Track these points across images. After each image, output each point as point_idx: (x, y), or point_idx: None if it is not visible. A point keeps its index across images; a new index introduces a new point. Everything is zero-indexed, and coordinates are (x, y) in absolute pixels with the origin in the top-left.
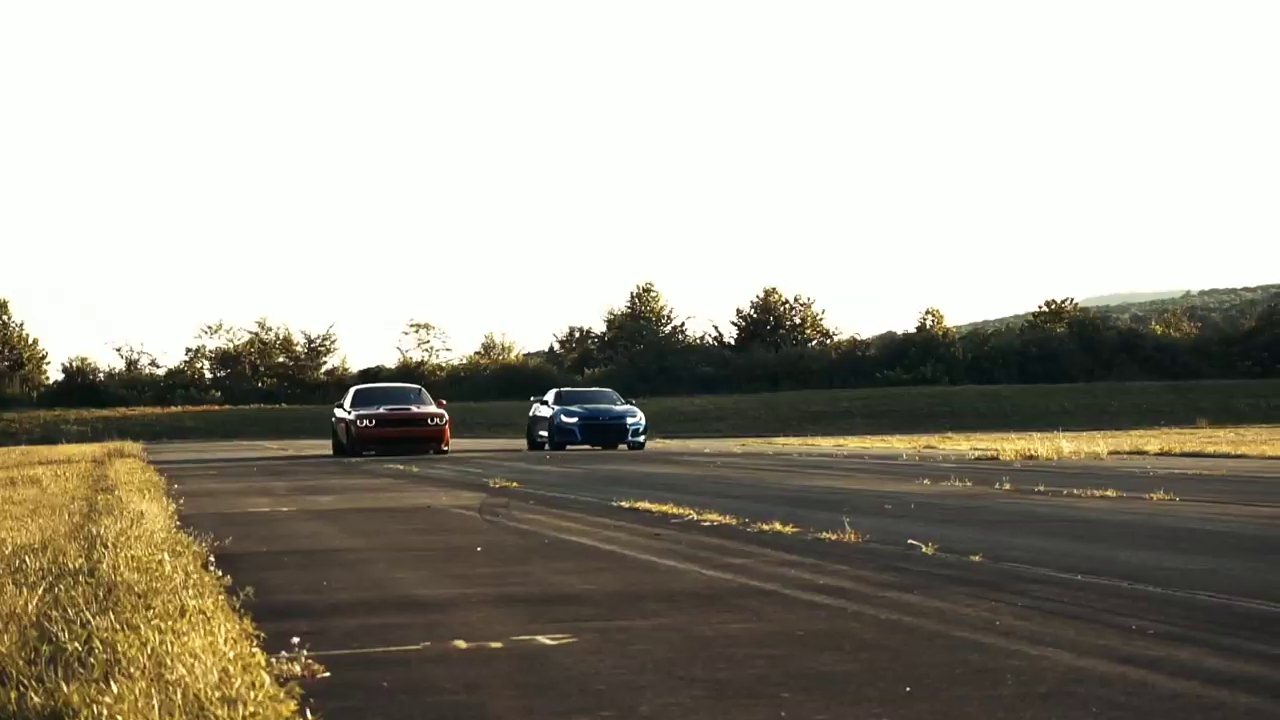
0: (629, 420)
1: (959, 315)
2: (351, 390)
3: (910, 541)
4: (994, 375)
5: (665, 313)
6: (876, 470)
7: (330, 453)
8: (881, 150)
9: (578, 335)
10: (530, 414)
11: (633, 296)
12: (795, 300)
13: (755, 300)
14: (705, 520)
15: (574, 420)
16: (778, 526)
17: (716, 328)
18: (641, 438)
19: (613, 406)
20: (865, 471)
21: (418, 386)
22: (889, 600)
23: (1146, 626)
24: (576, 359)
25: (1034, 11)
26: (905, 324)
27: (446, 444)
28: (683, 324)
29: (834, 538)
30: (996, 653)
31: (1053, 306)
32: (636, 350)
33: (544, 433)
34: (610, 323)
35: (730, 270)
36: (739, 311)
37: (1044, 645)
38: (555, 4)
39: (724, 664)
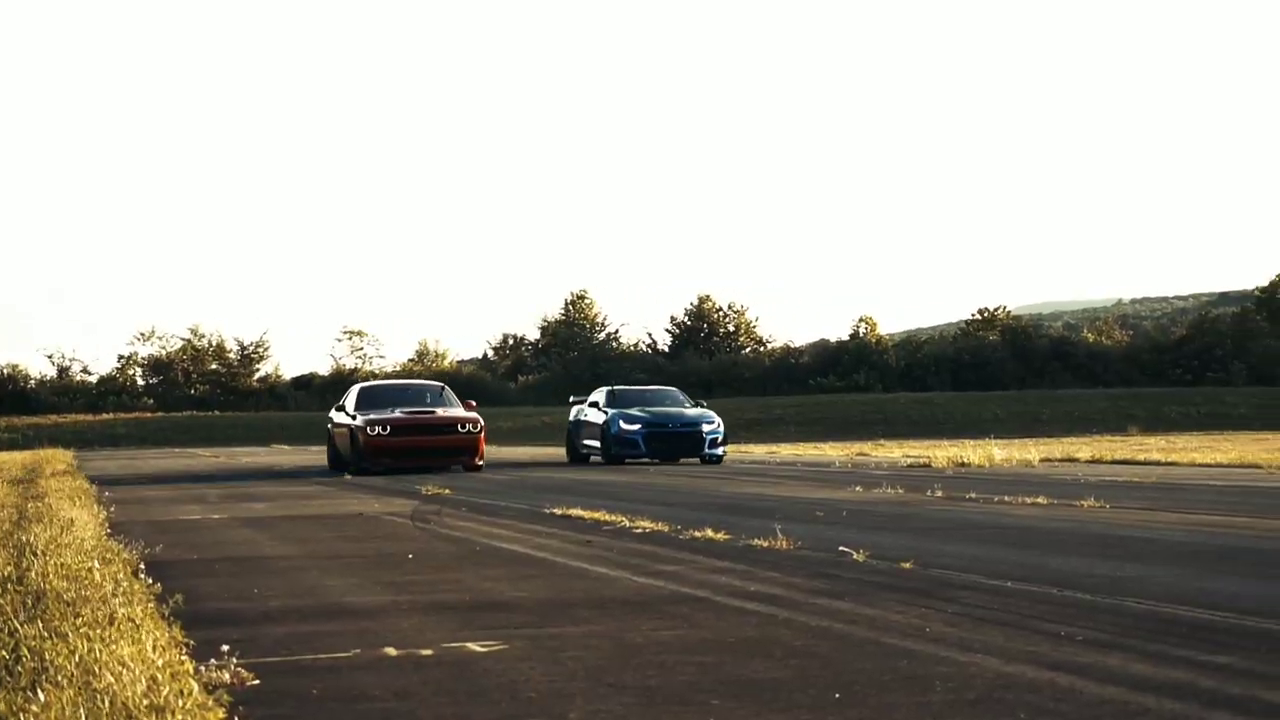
0: (705, 427)
1: (892, 323)
2: (355, 389)
3: (842, 548)
4: (927, 383)
5: (599, 320)
6: (809, 477)
7: (325, 466)
8: (816, 160)
9: (511, 342)
10: (572, 418)
11: (567, 304)
12: (729, 308)
13: (689, 308)
14: (637, 527)
15: (637, 427)
16: (709, 533)
17: (650, 335)
18: (720, 449)
19: (683, 410)
20: (797, 479)
21: (440, 384)
22: (820, 607)
23: (1075, 633)
24: (510, 366)
25: (963, 25)
26: (839, 332)
27: (480, 457)
28: (616, 331)
29: (766, 545)
30: (926, 659)
31: (985, 314)
32: (570, 357)
33: (593, 442)
34: (544, 330)
35: (664, 278)
36: (673, 319)
37: (973, 652)
38: (480, 12)
39: (654, 671)
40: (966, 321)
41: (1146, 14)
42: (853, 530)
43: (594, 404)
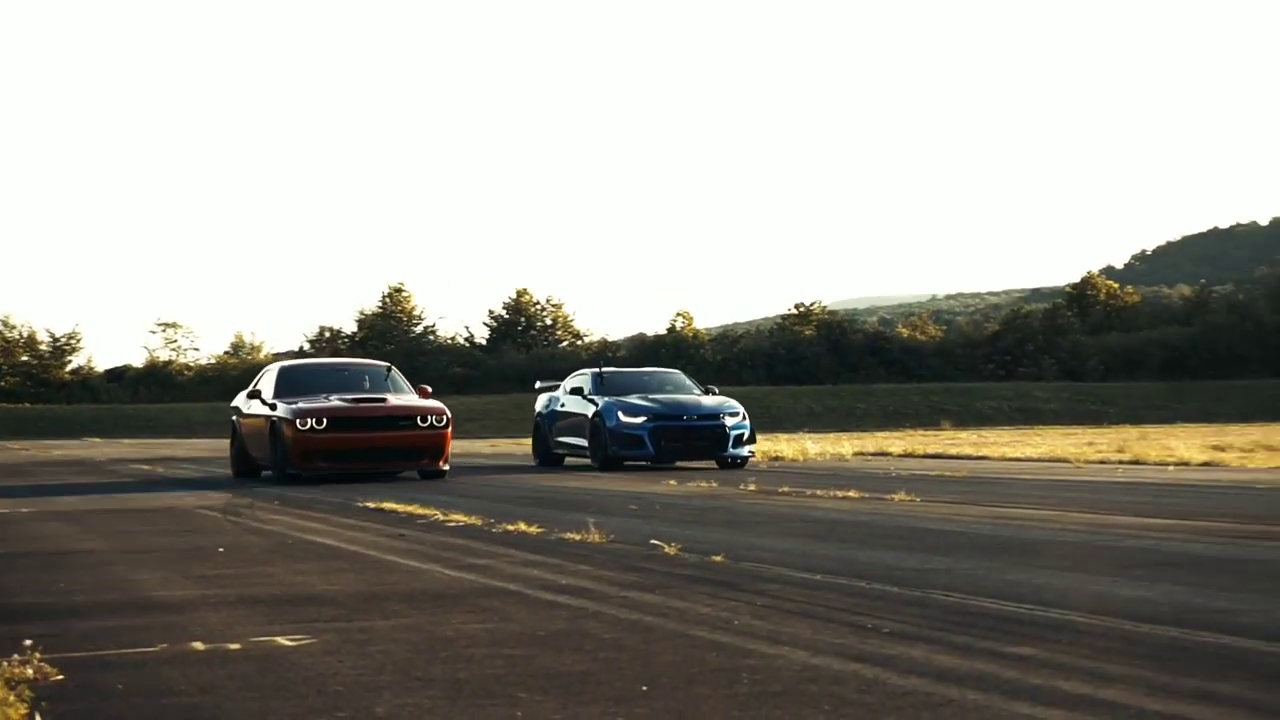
0: (728, 420)
1: (709, 318)
2: (273, 369)
3: (653, 542)
4: (743, 376)
5: (416, 313)
6: (623, 470)
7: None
8: (633, 154)
9: (328, 335)
10: (541, 409)
11: (384, 297)
12: (547, 301)
13: (507, 301)
14: (450, 521)
15: (641, 420)
16: (522, 527)
17: (468, 328)
18: (746, 449)
19: (697, 398)
20: (612, 472)
21: (385, 365)
22: (630, 600)
23: (882, 625)
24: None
25: (787, 26)
26: (656, 326)
27: (446, 460)
28: (434, 325)
29: (578, 538)
30: (734, 652)
31: (801, 309)
32: (387, 350)
33: (575, 439)
34: (361, 323)
35: (482, 271)
36: (490, 312)
37: (781, 644)
38: (298, 7)
39: (463, 664)
40: (783, 316)
41: (961, 18)
42: (665, 524)
43: (575, 390)
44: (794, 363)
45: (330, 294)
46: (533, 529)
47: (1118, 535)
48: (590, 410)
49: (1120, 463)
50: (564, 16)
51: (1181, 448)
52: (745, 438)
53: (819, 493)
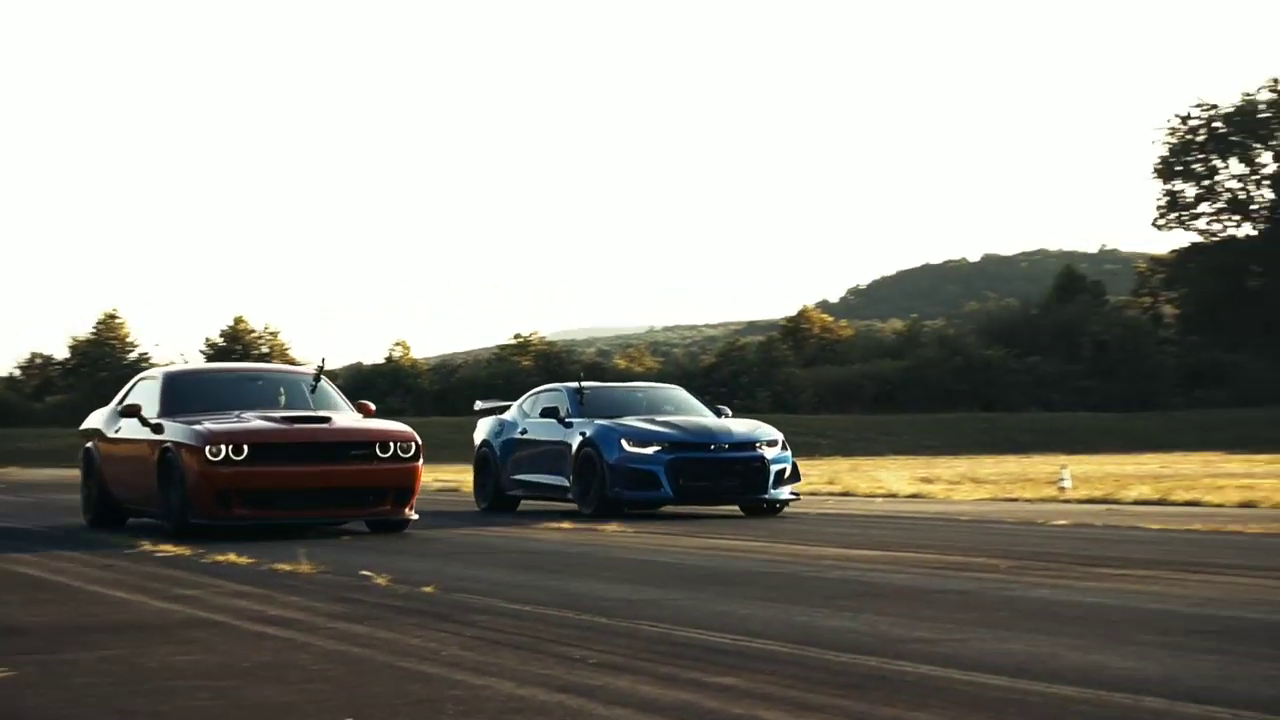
0: (766, 451)
1: (427, 347)
2: (155, 377)
3: (364, 572)
4: (460, 407)
5: (130, 340)
6: (626, 519)
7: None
8: (348, 180)
9: (39, 361)
10: (491, 437)
11: (97, 323)
12: (264, 329)
13: (224, 329)
14: (159, 551)
15: (653, 451)
16: (232, 557)
17: (184, 356)
18: (788, 489)
19: (724, 423)
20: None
21: (314, 369)
22: (338, 631)
23: (589, 655)
24: (38, 386)
25: (515, 54)
26: (374, 355)
27: (411, 507)
28: (148, 352)
29: (288, 568)
30: (440, 682)
31: (519, 339)
32: (100, 377)
33: (548, 477)
34: (74, 349)
35: (199, 298)
36: (207, 340)
37: (487, 675)
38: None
39: (166, 696)
40: (501, 347)
41: (669, 53)
42: (377, 554)
43: (548, 412)
44: (511, 393)
45: (42, 320)
46: (243, 559)
47: (824, 566)
48: (575, 439)
49: (830, 494)
50: (250, 28)
51: (891, 480)
52: (788, 474)
53: (533, 524)
